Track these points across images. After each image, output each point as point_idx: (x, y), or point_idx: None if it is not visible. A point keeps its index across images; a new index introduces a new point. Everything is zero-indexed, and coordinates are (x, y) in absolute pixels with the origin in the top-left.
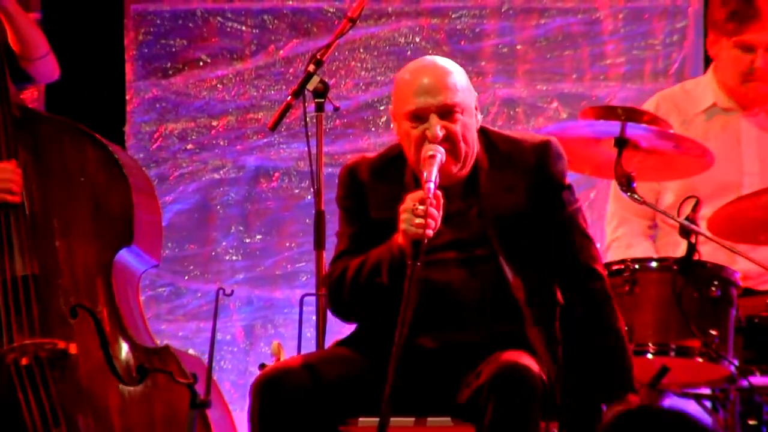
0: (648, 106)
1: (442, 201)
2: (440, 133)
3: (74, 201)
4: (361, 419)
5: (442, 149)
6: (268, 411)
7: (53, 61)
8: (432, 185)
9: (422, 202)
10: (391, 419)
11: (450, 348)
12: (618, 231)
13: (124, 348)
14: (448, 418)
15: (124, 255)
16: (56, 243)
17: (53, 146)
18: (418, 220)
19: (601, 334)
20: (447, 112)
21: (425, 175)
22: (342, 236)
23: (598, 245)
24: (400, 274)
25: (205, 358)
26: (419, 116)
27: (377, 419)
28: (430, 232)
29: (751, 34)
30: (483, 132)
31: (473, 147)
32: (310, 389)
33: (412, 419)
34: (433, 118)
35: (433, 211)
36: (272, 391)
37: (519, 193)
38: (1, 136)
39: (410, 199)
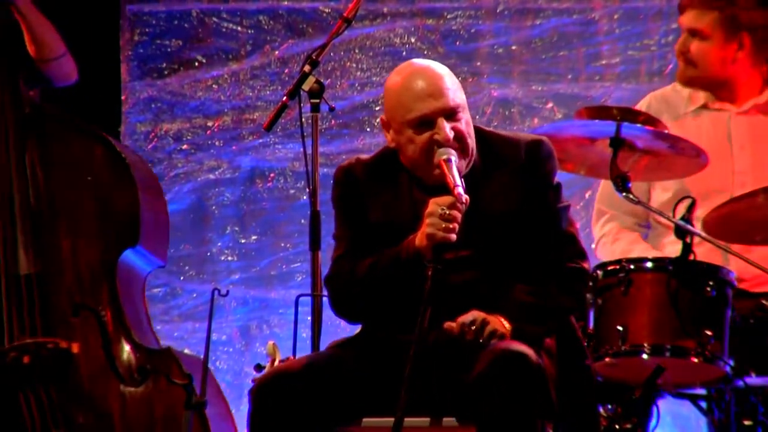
0: (640, 106)
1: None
2: (451, 135)
3: (80, 200)
4: (364, 420)
5: (453, 151)
6: (267, 415)
7: (70, 62)
8: (461, 189)
9: (451, 206)
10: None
11: (441, 346)
12: (606, 227)
13: (126, 349)
14: (453, 419)
15: (129, 255)
16: (62, 242)
17: (61, 144)
18: (445, 224)
19: (547, 303)
20: (451, 114)
21: (451, 179)
22: (341, 238)
23: (593, 246)
24: (414, 276)
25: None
26: (426, 122)
27: (380, 419)
28: (453, 236)
29: (681, 15)
30: (476, 131)
31: (474, 142)
32: (309, 392)
33: (426, 419)
34: (442, 122)
35: (459, 215)
36: (271, 395)
37: (512, 192)
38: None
39: (436, 204)
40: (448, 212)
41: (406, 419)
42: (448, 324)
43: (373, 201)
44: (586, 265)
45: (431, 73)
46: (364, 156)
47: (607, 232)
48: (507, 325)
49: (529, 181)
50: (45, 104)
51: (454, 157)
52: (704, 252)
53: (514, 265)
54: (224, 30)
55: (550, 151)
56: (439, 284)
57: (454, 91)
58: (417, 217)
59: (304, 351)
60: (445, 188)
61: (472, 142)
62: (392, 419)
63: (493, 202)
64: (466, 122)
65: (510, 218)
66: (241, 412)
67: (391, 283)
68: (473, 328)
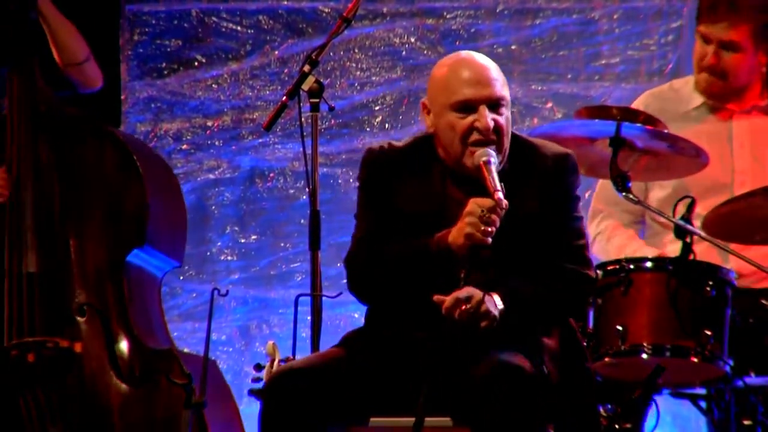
0: (637, 104)
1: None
2: (491, 125)
3: (90, 200)
4: (372, 419)
5: (493, 153)
6: (279, 412)
7: (94, 68)
8: (501, 194)
9: (492, 209)
10: (402, 419)
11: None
12: (601, 225)
13: (130, 349)
14: (448, 419)
15: (138, 256)
16: (70, 241)
17: (75, 145)
18: (484, 227)
19: (547, 309)
20: (495, 104)
21: (491, 183)
22: (364, 218)
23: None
24: (439, 270)
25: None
26: (468, 106)
27: (387, 419)
28: (490, 240)
29: (706, 26)
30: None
31: (509, 142)
32: (320, 390)
33: (448, 420)
34: (484, 110)
35: (497, 220)
36: (283, 392)
37: (533, 197)
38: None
39: (476, 204)
40: (487, 215)
41: (403, 419)
42: (438, 297)
43: (403, 188)
44: (591, 273)
45: (479, 63)
46: (397, 142)
47: (603, 230)
48: (500, 303)
49: (552, 190)
50: (64, 105)
51: (494, 159)
52: (703, 249)
53: (526, 266)
54: (224, 30)
55: (575, 165)
56: (456, 282)
57: (501, 84)
58: (447, 211)
59: (304, 351)
60: (480, 183)
61: (507, 141)
62: (400, 419)
63: (517, 206)
64: (506, 119)
65: (531, 222)
66: (241, 411)
67: (414, 273)
68: (465, 307)
